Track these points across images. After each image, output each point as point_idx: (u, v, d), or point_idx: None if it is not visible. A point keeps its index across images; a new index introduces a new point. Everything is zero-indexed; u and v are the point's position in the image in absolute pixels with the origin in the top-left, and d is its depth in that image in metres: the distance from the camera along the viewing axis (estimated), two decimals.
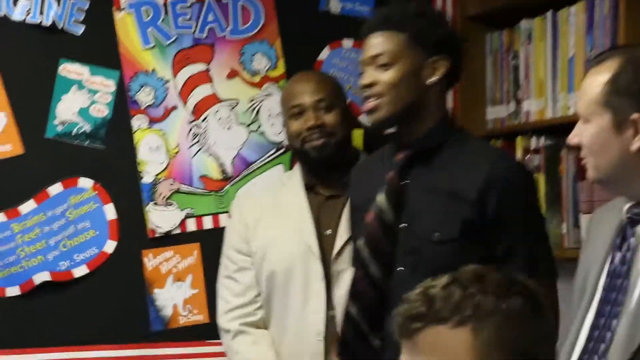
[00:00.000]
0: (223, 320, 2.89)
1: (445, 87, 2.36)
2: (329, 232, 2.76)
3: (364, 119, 3.34)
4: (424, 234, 2.25)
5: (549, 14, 2.93)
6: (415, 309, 1.49)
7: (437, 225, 2.24)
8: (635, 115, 1.87)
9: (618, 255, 1.92)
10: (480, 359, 1.46)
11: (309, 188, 2.82)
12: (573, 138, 1.97)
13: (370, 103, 2.31)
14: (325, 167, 2.77)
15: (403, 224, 2.28)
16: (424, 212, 2.27)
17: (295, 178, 2.86)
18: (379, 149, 2.52)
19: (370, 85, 2.31)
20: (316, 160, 2.76)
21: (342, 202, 2.71)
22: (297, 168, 2.89)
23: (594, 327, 1.93)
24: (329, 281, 2.72)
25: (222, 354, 3.11)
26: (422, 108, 2.31)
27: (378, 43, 2.31)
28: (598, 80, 1.92)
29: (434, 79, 2.31)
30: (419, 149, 2.31)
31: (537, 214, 2.31)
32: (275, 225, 2.82)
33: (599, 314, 1.92)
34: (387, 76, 2.29)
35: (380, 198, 2.31)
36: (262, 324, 2.84)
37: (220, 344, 3.09)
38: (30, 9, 3.15)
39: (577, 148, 1.98)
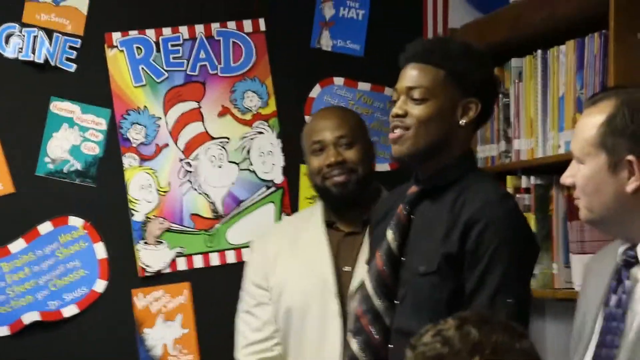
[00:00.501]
0: (241, 355, 2.86)
1: (473, 128, 2.34)
2: (347, 268, 2.75)
3: None
4: (414, 267, 2.25)
5: (539, 53, 2.91)
6: (435, 351, 1.53)
7: (423, 259, 2.24)
8: (630, 157, 1.87)
9: (614, 298, 1.92)
10: None
11: (329, 224, 2.81)
12: (567, 178, 1.96)
13: (397, 134, 2.28)
14: (345, 204, 2.75)
15: (403, 259, 2.29)
16: (417, 247, 2.28)
17: (316, 213, 2.84)
18: (401, 185, 2.51)
19: (400, 116, 2.29)
20: (337, 197, 2.74)
21: (361, 238, 2.72)
22: (318, 204, 2.87)
23: None
24: (345, 319, 2.71)
25: None
26: (446, 147, 2.29)
27: (415, 75, 2.28)
28: (593, 121, 1.92)
29: (464, 120, 2.29)
30: (430, 185, 2.31)
31: (515, 258, 2.21)
32: (294, 260, 2.80)
33: (596, 357, 1.92)
34: (419, 111, 2.27)
35: (389, 233, 2.31)
36: None
37: None
38: (22, 46, 3.18)
39: (571, 188, 1.98)
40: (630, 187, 1.88)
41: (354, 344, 2.31)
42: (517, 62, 3.03)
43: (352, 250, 2.75)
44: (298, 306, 2.75)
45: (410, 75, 2.29)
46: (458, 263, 2.22)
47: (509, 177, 2.99)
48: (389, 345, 2.27)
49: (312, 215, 2.85)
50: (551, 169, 2.81)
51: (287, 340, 2.79)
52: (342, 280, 2.74)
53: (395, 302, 2.28)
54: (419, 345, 1.56)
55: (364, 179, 2.74)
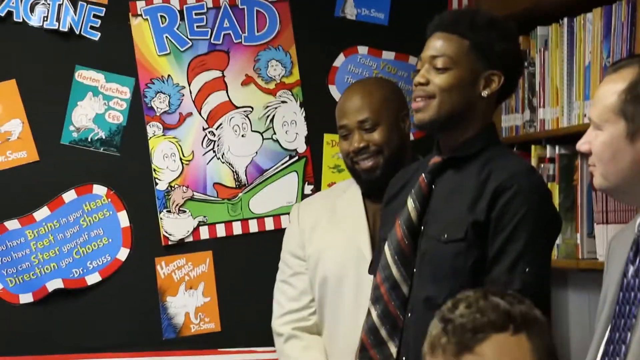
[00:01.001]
0: (276, 324, 2.88)
1: (495, 100, 2.35)
2: None
3: None
4: (435, 235, 2.27)
5: (565, 21, 2.91)
6: (475, 322, 1.59)
7: (446, 227, 2.26)
8: None
9: (631, 269, 1.91)
10: None
11: (367, 195, 2.82)
12: (583, 145, 1.95)
13: (419, 102, 2.30)
14: (377, 186, 2.74)
15: (422, 227, 2.30)
16: (439, 216, 2.29)
17: (354, 185, 2.85)
18: (416, 161, 2.55)
19: (423, 84, 2.30)
20: (367, 181, 2.77)
21: None
22: None
23: (609, 341, 1.91)
24: None
25: None
26: (467, 117, 2.31)
27: (440, 44, 2.30)
28: (614, 88, 1.90)
29: (486, 92, 2.30)
30: (452, 155, 2.32)
31: (539, 228, 2.23)
32: (331, 231, 2.82)
33: (614, 328, 1.91)
34: (441, 79, 2.28)
35: (409, 202, 2.33)
36: (316, 330, 2.84)
37: (232, 352, 3.13)
38: (47, 14, 3.18)
39: (587, 155, 1.96)
40: None
41: (373, 312, 2.33)
42: (542, 31, 3.02)
43: None
44: (334, 275, 2.76)
45: (435, 44, 2.31)
46: (484, 231, 2.24)
47: (533, 147, 2.99)
48: (408, 314, 2.28)
49: (349, 187, 2.86)
50: (576, 139, 2.60)
51: (323, 310, 2.81)
52: None
53: (415, 270, 2.29)
54: (455, 318, 1.60)
55: (393, 157, 2.75)
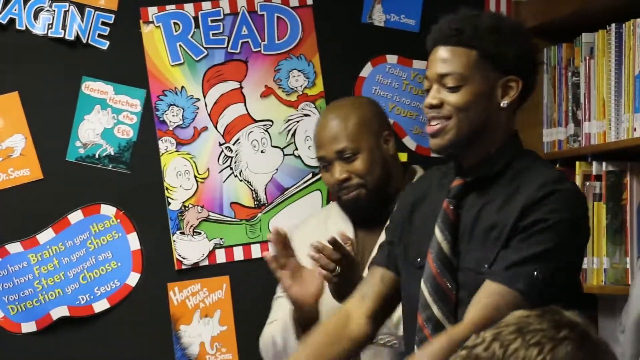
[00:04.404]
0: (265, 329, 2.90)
1: (515, 108, 2.31)
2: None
3: (408, 140, 3.38)
4: (474, 266, 2.25)
5: (613, 27, 2.92)
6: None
7: (483, 257, 2.24)
8: None
9: None
10: None
11: (354, 222, 2.87)
12: None
13: (436, 126, 2.25)
14: (363, 215, 2.80)
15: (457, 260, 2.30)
16: (473, 244, 2.27)
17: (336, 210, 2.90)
18: (429, 171, 2.53)
19: (436, 106, 2.27)
20: (353, 212, 2.80)
21: (378, 234, 2.73)
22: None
23: None
24: None
25: None
26: (488, 132, 2.28)
27: (447, 60, 2.26)
28: None
29: (506, 101, 2.26)
30: (476, 176, 2.30)
31: (562, 242, 2.19)
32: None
33: None
34: (456, 98, 2.24)
35: (437, 233, 2.30)
36: None
37: None
38: (52, 22, 3.20)
39: None
40: None
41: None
42: (588, 38, 3.05)
43: (369, 247, 2.80)
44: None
45: (441, 60, 2.27)
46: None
47: (578, 163, 3.02)
48: None
49: (335, 211, 2.88)
50: (625, 155, 2.88)
51: None
52: None
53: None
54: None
55: (378, 184, 2.77)
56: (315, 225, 2.95)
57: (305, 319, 2.70)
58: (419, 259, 2.36)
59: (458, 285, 2.28)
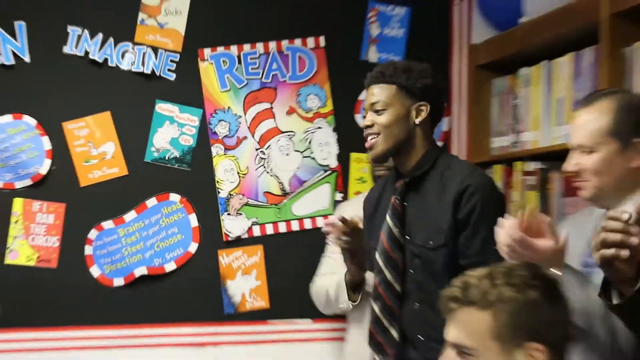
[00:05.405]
0: (316, 279, 2.94)
1: (430, 125, 2.40)
2: None
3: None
4: (422, 243, 2.33)
5: (544, 63, 2.95)
6: (454, 293, 1.60)
7: (429, 236, 2.32)
8: (636, 140, 1.95)
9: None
10: (497, 336, 1.54)
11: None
12: (573, 166, 1.99)
13: (371, 141, 2.37)
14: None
15: (406, 237, 2.37)
16: (419, 227, 2.35)
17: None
18: (380, 179, 2.60)
19: (369, 126, 2.38)
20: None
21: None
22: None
23: None
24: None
25: (279, 332, 3.22)
26: (411, 143, 2.36)
27: (375, 93, 2.38)
28: (595, 117, 1.96)
29: (419, 119, 2.37)
30: (411, 177, 2.39)
31: (491, 219, 2.13)
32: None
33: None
34: (382, 119, 2.36)
35: (388, 219, 2.39)
36: None
37: (277, 323, 3.20)
38: (134, 60, 3.23)
39: (574, 173, 2.02)
40: (635, 163, 1.94)
41: (376, 307, 2.40)
42: (525, 71, 3.07)
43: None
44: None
45: (372, 93, 2.39)
46: (456, 231, 2.28)
47: (517, 163, 3.03)
48: (415, 304, 2.35)
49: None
50: (551, 156, 2.86)
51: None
52: None
53: (410, 271, 2.34)
54: (449, 286, 1.61)
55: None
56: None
57: (354, 282, 2.68)
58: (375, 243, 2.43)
59: (404, 256, 2.34)
